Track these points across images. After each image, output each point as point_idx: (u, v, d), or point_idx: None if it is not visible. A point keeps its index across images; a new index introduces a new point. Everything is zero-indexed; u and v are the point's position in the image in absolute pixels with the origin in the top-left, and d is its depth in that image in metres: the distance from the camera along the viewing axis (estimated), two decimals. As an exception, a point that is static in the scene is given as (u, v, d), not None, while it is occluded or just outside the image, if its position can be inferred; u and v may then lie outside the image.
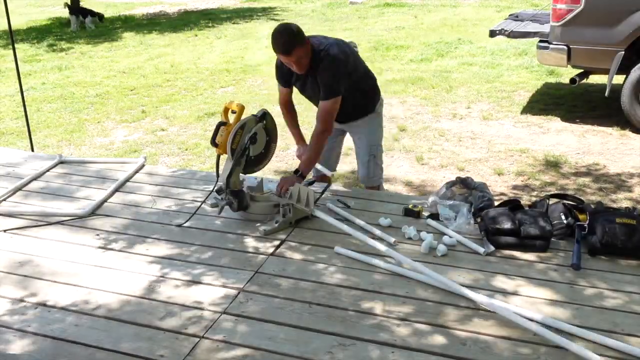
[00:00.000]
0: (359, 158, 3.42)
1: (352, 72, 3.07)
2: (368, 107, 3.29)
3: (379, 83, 3.38)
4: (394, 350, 1.96)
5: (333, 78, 2.97)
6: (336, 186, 3.43)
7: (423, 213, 2.92)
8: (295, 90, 3.32)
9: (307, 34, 3.03)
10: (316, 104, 3.20)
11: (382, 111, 3.40)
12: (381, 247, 2.57)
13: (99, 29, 12.64)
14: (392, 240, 2.63)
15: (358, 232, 2.69)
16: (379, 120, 3.39)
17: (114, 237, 2.77)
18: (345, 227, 2.72)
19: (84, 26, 12.63)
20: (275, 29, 2.99)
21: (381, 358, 1.93)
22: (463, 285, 2.27)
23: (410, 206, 2.94)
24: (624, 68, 5.52)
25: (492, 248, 2.57)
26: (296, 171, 3.02)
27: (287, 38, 2.92)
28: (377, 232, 2.73)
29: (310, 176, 3.33)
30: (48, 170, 3.60)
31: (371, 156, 3.33)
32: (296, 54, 2.93)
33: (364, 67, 3.24)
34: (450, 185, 3.08)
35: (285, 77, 3.24)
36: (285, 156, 5.24)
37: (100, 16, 12.97)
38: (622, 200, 4.19)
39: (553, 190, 4.35)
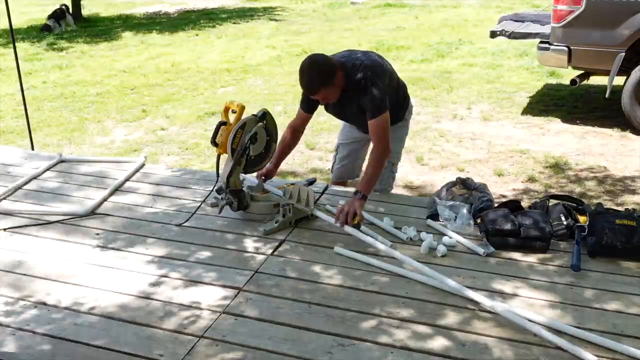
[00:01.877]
0: None
1: (389, 82, 2.95)
2: (399, 115, 3.17)
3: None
4: (393, 350, 1.96)
5: (379, 94, 2.81)
6: (336, 186, 3.43)
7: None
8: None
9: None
10: (358, 124, 3.14)
11: (410, 119, 3.31)
12: (381, 247, 2.57)
13: (98, 27, 12.64)
14: (390, 243, 2.62)
15: (358, 232, 2.69)
16: (405, 129, 3.31)
17: (113, 237, 2.77)
18: (346, 227, 2.71)
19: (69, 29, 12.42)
20: (302, 63, 2.82)
21: (380, 359, 1.93)
22: (462, 286, 2.27)
23: None
24: (625, 69, 5.52)
25: (491, 249, 2.57)
26: (356, 192, 2.79)
27: (315, 76, 2.78)
28: (380, 230, 2.73)
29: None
30: (48, 169, 3.60)
31: (390, 164, 3.24)
32: (324, 91, 2.81)
33: (396, 75, 3.10)
34: (450, 186, 3.08)
35: (311, 102, 3.05)
36: (286, 156, 5.24)
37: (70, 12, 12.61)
38: (622, 202, 4.19)
39: (553, 191, 4.35)
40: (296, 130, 3.18)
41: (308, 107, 3.09)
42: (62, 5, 12.65)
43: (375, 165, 2.90)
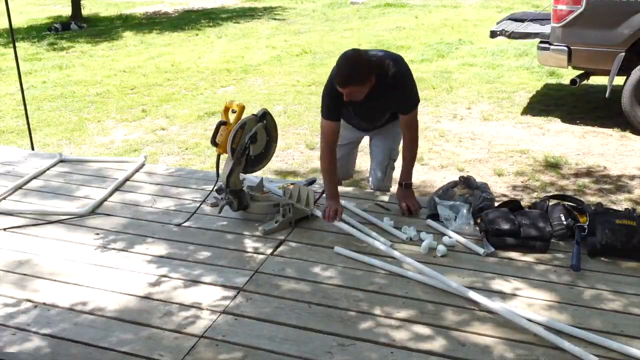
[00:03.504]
0: (375, 161, 3.32)
1: None
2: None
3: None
4: (393, 350, 1.96)
5: (413, 88, 2.90)
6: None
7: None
8: None
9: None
10: (368, 120, 3.13)
11: None
12: (382, 247, 2.57)
13: (98, 27, 12.64)
14: (390, 243, 2.62)
15: (358, 232, 2.69)
16: (399, 127, 3.30)
17: (113, 237, 2.77)
18: (344, 227, 2.72)
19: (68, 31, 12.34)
20: (347, 54, 2.73)
21: (380, 359, 1.93)
22: (462, 286, 2.27)
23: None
24: (625, 69, 5.52)
25: (491, 249, 2.57)
26: (405, 185, 3.02)
27: (357, 70, 2.68)
28: (380, 230, 2.73)
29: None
30: (48, 169, 3.60)
31: (391, 160, 3.28)
32: (355, 88, 2.71)
33: None
34: (451, 185, 3.08)
35: (339, 108, 2.88)
36: (286, 156, 5.24)
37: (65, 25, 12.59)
38: (622, 202, 4.19)
39: (553, 191, 4.35)
40: (335, 142, 2.95)
41: (337, 115, 2.90)
42: (57, 24, 12.54)
43: (414, 154, 3.10)
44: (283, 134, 5.67)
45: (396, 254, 2.51)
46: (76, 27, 12.45)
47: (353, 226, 2.75)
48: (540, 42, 5.98)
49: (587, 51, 5.62)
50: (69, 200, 3.19)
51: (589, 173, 4.74)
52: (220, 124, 2.82)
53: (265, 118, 2.90)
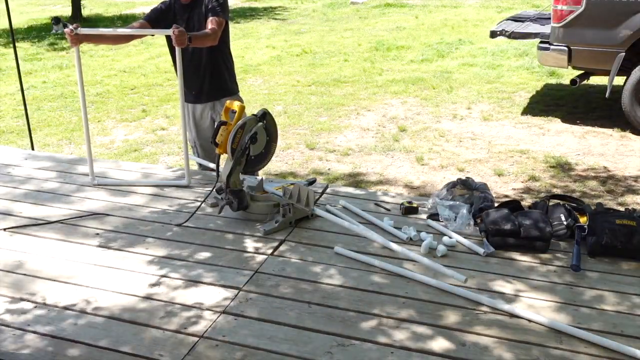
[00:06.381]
0: None
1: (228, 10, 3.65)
2: (233, 86, 3.95)
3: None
4: (393, 350, 1.96)
5: (224, 2, 3.48)
6: (336, 186, 3.43)
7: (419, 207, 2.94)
8: None
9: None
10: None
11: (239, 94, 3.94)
12: (379, 239, 2.57)
13: (98, 28, 12.63)
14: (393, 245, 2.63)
15: (363, 230, 2.69)
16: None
17: (113, 237, 2.77)
18: (346, 224, 2.72)
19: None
20: None
21: (380, 359, 1.93)
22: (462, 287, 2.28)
23: (406, 203, 2.96)
24: (625, 69, 5.52)
25: (491, 249, 2.57)
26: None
27: None
28: (384, 231, 2.73)
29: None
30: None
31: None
32: None
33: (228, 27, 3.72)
34: (451, 186, 3.08)
35: (158, 15, 3.74)
36: (286, 156, 5.25)
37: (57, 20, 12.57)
38: (623, 202, 4.20)
39: (553, 191, 4.36)
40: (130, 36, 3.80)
41: (151, 17, 3.75)
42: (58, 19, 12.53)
43: (205, 37, 3.40)
44: (283, 134, 5.67)
45: (393, 245, 2.52)
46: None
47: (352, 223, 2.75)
48: (540, 42, 5.99)
49: (587, 51, 5.63)
50: (69, 201, 3.19)
51: (589, 173, 4.74)
52: (221, 124, 2.82)
53: (265, 118, 2.90)
